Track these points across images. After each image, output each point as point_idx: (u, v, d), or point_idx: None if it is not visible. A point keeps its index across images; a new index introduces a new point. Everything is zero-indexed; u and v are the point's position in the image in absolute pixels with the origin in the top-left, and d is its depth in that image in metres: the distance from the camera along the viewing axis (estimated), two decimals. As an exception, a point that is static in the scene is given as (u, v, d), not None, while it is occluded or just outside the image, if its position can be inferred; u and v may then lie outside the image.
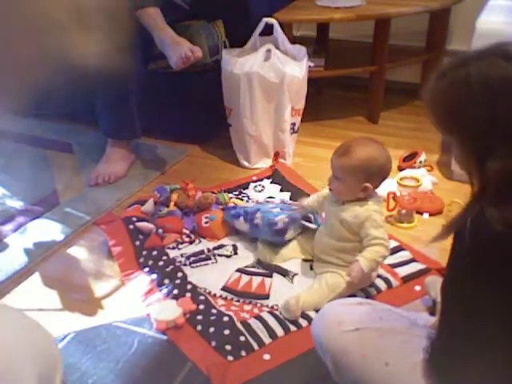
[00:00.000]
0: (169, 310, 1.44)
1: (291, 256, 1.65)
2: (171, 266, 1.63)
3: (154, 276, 1.60)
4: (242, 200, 1.95)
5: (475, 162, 0.82)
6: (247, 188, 2.06)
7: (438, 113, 0.85)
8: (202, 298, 1.51)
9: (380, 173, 1.46)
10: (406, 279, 1.56)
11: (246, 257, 1.68)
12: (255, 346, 1.35)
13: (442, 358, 0.91)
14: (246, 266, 1.63)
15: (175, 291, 1.53)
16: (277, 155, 2.20)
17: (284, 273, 1.60)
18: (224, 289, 1.55)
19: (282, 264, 1.63)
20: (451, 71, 0.82)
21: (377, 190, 1.88)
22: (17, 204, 2.00)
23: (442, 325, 0.91)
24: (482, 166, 0.80)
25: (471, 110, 0.80)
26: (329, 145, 2.37)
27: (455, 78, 0.81)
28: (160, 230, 1.77)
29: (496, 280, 0.81)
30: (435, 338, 0.94)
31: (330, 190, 1.51)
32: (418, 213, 1.85)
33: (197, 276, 1.60)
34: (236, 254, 1.71)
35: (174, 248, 1.73)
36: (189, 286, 1.55)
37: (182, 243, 1.75)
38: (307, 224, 1.70)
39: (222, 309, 1.47)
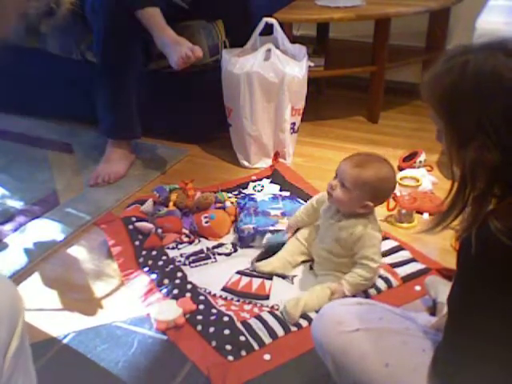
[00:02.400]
0: (169, 310, 1.44)
1: (295, 264, 1.62)
2: (171, 266, 1.63)
3: (154, 276, 1.60)
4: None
5: (456, 147, 0.84)
6: (246, 188, 2.06)
7: (432, 95, 0.87)
8: (201, 297, 1.51)
9: (385, 195, 1.47)
10: (406, 279, 1.56)
11: (245, 254, 1.69)
12: (255, 346, 1.35)
13: (448, 365, 0.91)
14: (246, 269, 1.62)
15: (175, 291, 1.53)
16: (277, 155, 2.20)
17: (283, 276, 1.59)
18: (224, 289, 1.55)
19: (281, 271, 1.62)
20: (453, 57, 0.84)
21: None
22: (17, 204, 2.00)
23: (448, 330, 0.91)
24: (461, 153, 0.83)
25: (461, 97, 0.82)
26: (329, 145, 2.38)
27: (454, 64, 0.83)
28: (159, 230, 1.77)
29: (503, 291, 0.81)
30: (441, 344, 0.93)
31: (329, 194, 1.46)
32: (418, 213, 1.85)
33: (197, 276, 1.60)
34: (236, 251, 1.71)
35: (173, 248, 1.73)
36: (189, 286, 1.55)
37: (181, 243, 1.75)
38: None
39: (222, 309, 1.47)
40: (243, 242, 1.72)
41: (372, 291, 1.51)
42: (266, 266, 1.59)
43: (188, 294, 1.52)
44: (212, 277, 1.59)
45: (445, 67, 0.85)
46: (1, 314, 0.79)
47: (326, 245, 1.51)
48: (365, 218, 1.45)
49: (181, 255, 1.69)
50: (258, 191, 2.03)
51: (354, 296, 1.46)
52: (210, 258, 1.68)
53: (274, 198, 1.85)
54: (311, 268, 1.61)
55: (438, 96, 0.86)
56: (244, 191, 2.03)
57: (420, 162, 2.12)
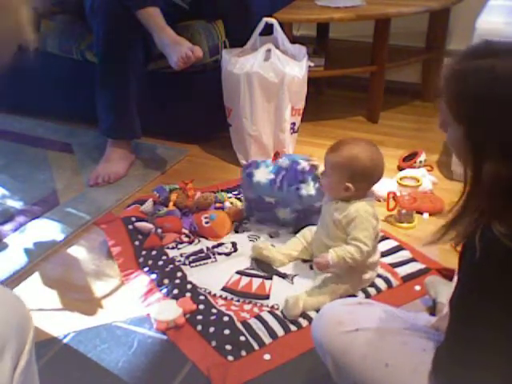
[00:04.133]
0: (169, 309, 1.44)
1: (291, 258, 1.64)
2: (171, 266, 1.63)
3: (154, 276, 1.60)
4: (241, 200, 1.94)
5: (473, 158, 0.81)
6: (247, 188, 2.05)
7: (452, 94, 0.83)
8: (201, 297, 1.51)
9: (363, 174, 1.44)
10: (406, 279, 1.56)
11: (245, 254, 1.69)
12: (255, 346, 1.35)
13: (449, 367, 0.90)
14: (246, 269, 1.63)
15: (175, 291, 1.53)
16: (277, 155, 2.20)
17: (284, 275, 1.60)
18: (224, 289, 1.55)
19: (281, 268, 1.62)
20: (479, 56, 0.81)
21: (376, 191, 1.90)
22: (17, 204, 2.00)
23: (450, 333, 0.91)
24: (478, 165, 0.80)
25: (486, 106, 0.78)
26: (329, 145, 2.35)
27: (480, 65, 0.79)
28: (159, 230, 1.77)
29: (506, 295, 0.81)
30: (442, 346, 0.93)
31: (320, 184, 1.56)
32: (418, 213, 1.85)
33: (196, 276, 1.60)
34: (236, 250, 1.71)
35: (173, 248, 1.73)
36: (189, 286, 1.55)
37: (181, 243, 1.75)
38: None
39: (222, 309, 1.47)
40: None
41: (372, 291, 1.51)
42: (264, 247, 1.63)
43: (188, 294, 1.52)
44: (212, 277, 1.59)
45: (470, 65, 0.80)
46: (10, 333, 0.78)
47: (325, 228, 1.53)
48: (359, 201, 1.46)
49: (181, 255, 1.69)
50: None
51: (352, 296, 1.46)
52: (210, 257, 1.68)
53: (272, 182, 1.72)
54: (311, 268, 1.61)
55: (460, 100, 0.82)
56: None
57: (420, 161, 2.12)
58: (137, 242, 1.74)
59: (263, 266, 1.62)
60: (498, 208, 0.80)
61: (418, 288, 1.52)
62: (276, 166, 1.73)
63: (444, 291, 1.38)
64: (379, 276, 1.56)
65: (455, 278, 1.01)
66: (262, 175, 1.73)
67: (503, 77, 0.77)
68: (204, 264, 1.66)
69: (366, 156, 1.44)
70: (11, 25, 0.61)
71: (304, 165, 1.70)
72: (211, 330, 1.39)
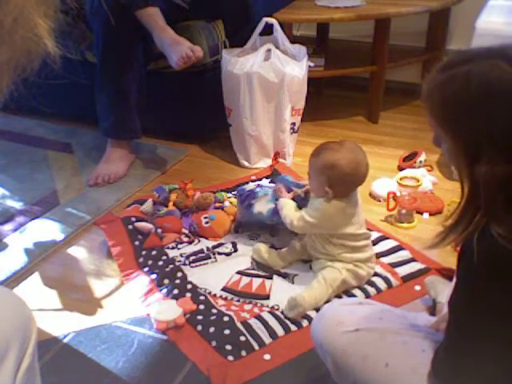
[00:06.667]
0: (169, 310, 1.44)
1: (291, 259, 1.64)
2: (171, 266, 1.63)
3: (154, 276, 1.60)
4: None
5: (465, 161, 0.82)
6: (247, 188, 2.05)
7: (434, 106, 0.85)
8: (202, 297, 1.51)
9: (341, 180, 1.43)
10: (406, 279, 1.56)
11: (245, 254, 1.69)
12: (255, 346, 1.35)
13: (448, 369, 0.90)
14: (247, 269, 1.63)
15: (175, 291, 1.53)
16: (277, 155, 2.20)
17: (284, 275, 1.60)
18: (224, 289, 1.55)
19: (281, 269, 1.62)
20: (453, 66, 0.82)
21: (376, 190, 1.91)
22: (17, 204, 2.00)
23: (449, 334, 0.90)
24: (472, 168, 0.81)
25: (466, 107, 0.80)
26: (329, 145, 2.37)
27: (456, 73, 0.81)
28: (159, 230, 1.77)
29: (505, 296, 0.81)
30: (441, 347, 0.93)
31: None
32: (418, 213, 1.85)
33: (197, 276, 1.60)
34: (236, 251, 1.71)
35: (173, 248, 1.73)
36: (189, 286, 1.55)
37: (181, 243, 1.75)
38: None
39: (223, 309, 1.47)
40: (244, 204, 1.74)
41: (372, 291, 1.51)
42: (264, 251, 1.63)
43: (188, 294, 1.52)
44: (212, 277, 1.59)
45: (444, 76, 0.82)
46: (14, 334, 0.78)
47: None
48: (333, 198, 1.46)
49: (181, 255, 1.69)
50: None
51: (352, 295, 1.46)
52: (210, 257, 1.68)
53: (273, 211, 1.67)
54: (311, 268, 1.61)
55: (440, 107, 0.83)
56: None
57: (420, 161, 2.12)
58: (137, 242, 1.74)
59: (263, 266, 1.62)
60: (495, 210, 0.80)
61: (417, 288, 1.52)
62: (274, 195, 1.69)
63: (444, 291, 1.38)
64: (379, 276, 1.56)
65: (455, 279, 1.01)
66: (263, 206, 1.69)
67: (478, 79, 0.78)
68: (204, 264, 1.66)
69: (346, 163, 1.42)
70: (31, 36, 0.62)
71: (300, 191, 1.68)
72: (211, 330, 1.39)
